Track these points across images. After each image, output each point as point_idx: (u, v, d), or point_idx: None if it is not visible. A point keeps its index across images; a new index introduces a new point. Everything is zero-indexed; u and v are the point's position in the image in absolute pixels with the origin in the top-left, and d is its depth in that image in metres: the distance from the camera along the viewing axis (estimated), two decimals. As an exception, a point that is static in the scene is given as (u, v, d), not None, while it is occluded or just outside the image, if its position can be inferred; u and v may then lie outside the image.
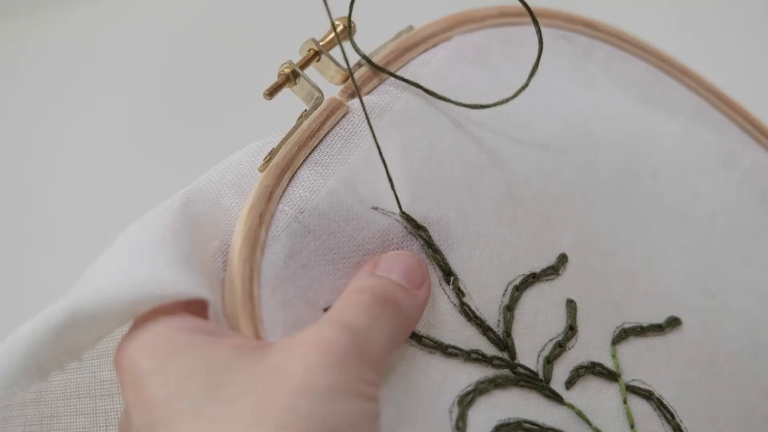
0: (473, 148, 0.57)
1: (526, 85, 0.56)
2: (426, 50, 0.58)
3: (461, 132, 0.56)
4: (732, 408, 0.59)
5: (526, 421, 0.52)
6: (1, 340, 0.48)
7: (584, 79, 0.63)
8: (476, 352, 0.52)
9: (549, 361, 0.54)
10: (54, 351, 0.47)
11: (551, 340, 0.55)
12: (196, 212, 0.51)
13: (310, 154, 0.52)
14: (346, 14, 0.55)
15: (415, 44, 0.58)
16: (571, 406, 0.54)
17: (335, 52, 0.55)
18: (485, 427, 0.51)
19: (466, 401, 0.51)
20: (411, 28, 0.58)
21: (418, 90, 0.57)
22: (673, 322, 0.59)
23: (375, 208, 0.53)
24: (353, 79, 0.54)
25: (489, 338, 0.53)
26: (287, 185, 0.51)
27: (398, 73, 0.56)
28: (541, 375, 0.53)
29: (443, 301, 0.52)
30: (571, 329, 0.55)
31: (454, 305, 0.53)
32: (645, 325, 0.58)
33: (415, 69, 0.57)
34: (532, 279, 0.55)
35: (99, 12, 1.12)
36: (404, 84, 0.56)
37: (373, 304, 0.48)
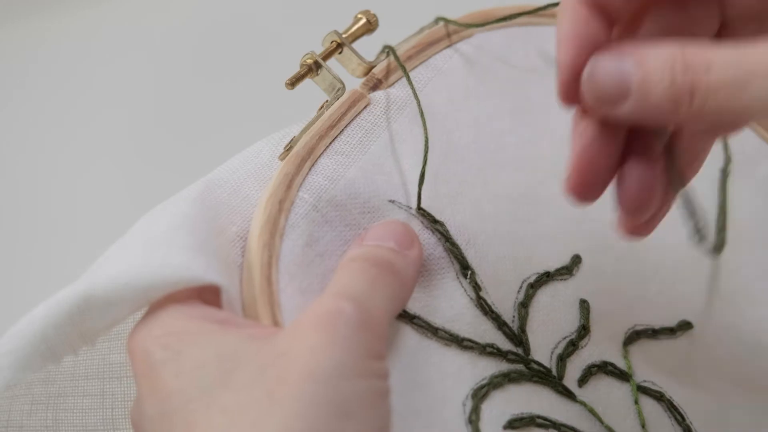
0: (491, 147, 0.57)
1: None
2: (449, 46, 0.58)
3: (480, 130, 0.56)
4: (742, 411, 0.59)
5: (538, 416, 0.52)
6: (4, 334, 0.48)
7: None
8: (491, 346, 0.52)
9: (562, 359, 0.54)
10: (67, 335, 0.47)
11: (564, 338, 0.55)
12: (215, 199, 0.51)
13: (330, 143, 0.53)
14: (369, 8, 0.55)
15: (437, 40, 0.58)
16: (583, 404, 0.54)
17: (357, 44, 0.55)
18: (498, 421, 0.51)
19: (480, 395, 0.51)
20: (436, 22, 0.59)
21: (439, 84, 0.57)
22: (685, 326, 0.59)
23: (392, 201, 0.53)
24: (396, 56, 0.53)
25: (504, 333, 0.53)
26: (307, 173, 0.51)
27: (420, 68, 0.57)
28: (554, 372, 0.54)
29: (460, 295, 0.53)
30: (584, 329, 0.55)
31: (471, 299, 0.53)
32: (657, 327, 0.58)
33: (437, 64, 0.58)
34: (546, 278, 0.55)
35: (101, 13, 1.12)
36: (426, 77, 0.56)
37: (366, 268, 0.48)
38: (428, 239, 0.53)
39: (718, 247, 0.52)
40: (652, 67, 0.44)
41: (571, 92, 0.47)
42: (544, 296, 0.55)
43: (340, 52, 0.55)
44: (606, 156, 0.48)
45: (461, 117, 0.57)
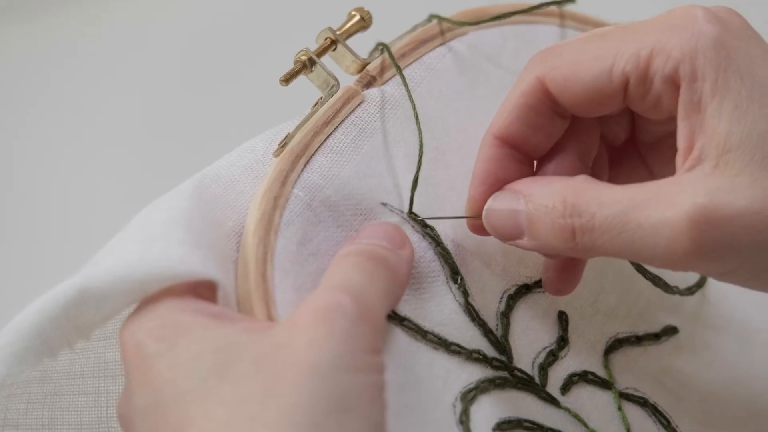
0: None
1: None
2: (442, 44, 0.58)
3: (469, 135, 0.57)
4: (728, 412, 0.59)
5: (526, 420, 0.52)
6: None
7: None
8: (478, 352, 0.53)
9: (543, 368, 0.55)
10: (62, 329, 0.47)
11: (545, 348, 0.55)
12: (210, 194, 0.51)
13: (325, 140, 0.53)
14: (364, 6, 0.55)
15: (431, 37, 0.58)
16: (567, 410, 0.54)
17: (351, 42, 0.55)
18: (487, 423, 0.51)
19: (468, 398, 0.51)
20: (429, 20, 0.59)
21: (432, 84, 0.57)
22: (670, 331, 0.60)
23: (384, 204, 0.53)
24: (391, 55, 0.54)
25: (489, 340, 0.53)
26: (302, 170, 0.51)
27: (414, 66, 0.57)
28: (537, 380, 0.54)
29: (449, 300, 0.53)
30: (563, 340, 0.56)
31: (459, 304, 0.53)
32: (641, 334, 0.59)
33: (431, 62, 0.58)
34: (525, 290, 0.56)
35: (100, 12, 1.12)
36: (420, 76, 0.57)
37: (362, 262, 0.48)
38: (419, 243, 0.53)
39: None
40: (539, 208, 0.49)
41: (479, 226, 0.52)
42: (523, 306, 0.56)
43: (334, 49, 0.55)
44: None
45: (451, 120, 0.57)
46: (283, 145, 0.52)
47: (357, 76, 0.56)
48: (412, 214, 0.54)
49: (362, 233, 0.51)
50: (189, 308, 0.46)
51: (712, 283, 0.62)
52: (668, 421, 0.57)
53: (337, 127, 0.53)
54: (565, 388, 0.55)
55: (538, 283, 0.56)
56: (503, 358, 0.53)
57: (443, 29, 0.58)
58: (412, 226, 0.53)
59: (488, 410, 0.51)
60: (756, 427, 0.60)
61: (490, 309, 0.54)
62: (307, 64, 0.53)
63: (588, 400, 0.55)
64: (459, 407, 0.51)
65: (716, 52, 0.47)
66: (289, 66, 0.54)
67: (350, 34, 0.55)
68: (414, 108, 0.55)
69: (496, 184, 0.52)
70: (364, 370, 0.44)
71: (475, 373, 0.52)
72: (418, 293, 0.52)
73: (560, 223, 0.48)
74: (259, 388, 0.42)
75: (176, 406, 0.43)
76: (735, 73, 0.47)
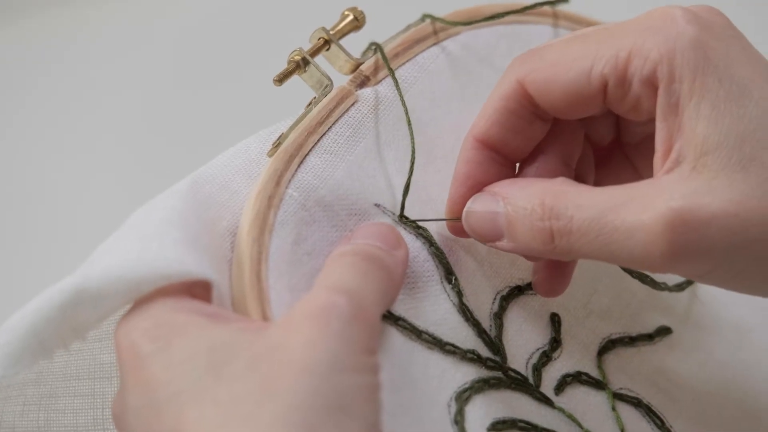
0: None
1: None
2: (435, 43, 0.58)
3: (460, 137, 0.56)
4: (722, 412, 0.59)
5: (520, 420, 0.52)
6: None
7: None
8: (472, 352, 0.53)
9: (537, 369, 0.55)
10: (58, 329, 0.46)
11: (538, 349, 0.56)
12: (205, 194, 0.51)
13: (319, 140, 0.53)
14: (357, 6, 0.55)
15: (424, 37, 0.58)
16: (561, 410, 0.54)
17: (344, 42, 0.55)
18: (482, 423, 0.51)
19: (463, 397, 0.51)
20: (423, 20, 0.59)
21: (425, 85, 0.57)
22: (664, 331, 0.60)
23: (377, 205, 0.53)
24: (384, 56, 0.55)
25: (483, 340, 0.54)
26: (296, 170, 0.52)
27: (408, 66, 0.57)
28: (531, 380, 0.54)
29: (444, 300, 0.53)
30: (556, 341, 0.56)
31: (454, 305, 0.53)
32: (634, 335, 0.59)
33: (424, 62, 0.58)
34: (517, 291, 0.56)
35: (96, 11, 1.12)
36: (413, 77, 0.57)
37: (358, 262, 0.48)
38: (413, 243, 0.53)
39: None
40: (518, 210, 0.49)
41: (459, 228, 0.53)
42: (516, 308, 0.56)
43: (327, 49, 0.55)
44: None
45: (444, 122, 0.57)
46: (277, 145, 0.52)
47: (350, 76, 0.56)
48: (402, 217, 0.54)
49: (357, 233, 0.51)
50: (184, 308, 0.46)
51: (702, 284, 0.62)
52: (662, 422, 0.57)
53: (330, 127, 0.53)
54: (559, 388, 0.55)
55: (530, 285, 0.57)
56: (497, 359, 0.53)
57: (436, 29, 0.59)
58: (404, 228, 0.54)
59: (483, 410, 0.52)
60: (750, 427, 0.60)
61: (483, 310, 0.54)
62: (300, 64, 0.53)
63: (582, 400, 0.56)
64: (454, 407, 0.51)
65: (694, 53, 0.47)
66: (283, 65, 0.54)
67: (344, 33, 0.55)
68: (407, 113, 0.55)
69: (476, 186, 0.52)
70: (359, 370, 0.44)
71: (469, 373, 0.52)
72: (412, 293, 0.52)
73: (539, 226, 0.48)
74: (255, 388, 0.42)
75: (171, 406, 0.43)
76: (713, 74, 0.47)
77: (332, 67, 0.56)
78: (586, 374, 0.56)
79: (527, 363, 0.55)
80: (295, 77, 0.54)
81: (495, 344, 0.54)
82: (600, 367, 0.57)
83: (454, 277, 0.53)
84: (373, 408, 0.44)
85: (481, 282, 0.55)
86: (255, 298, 0.48)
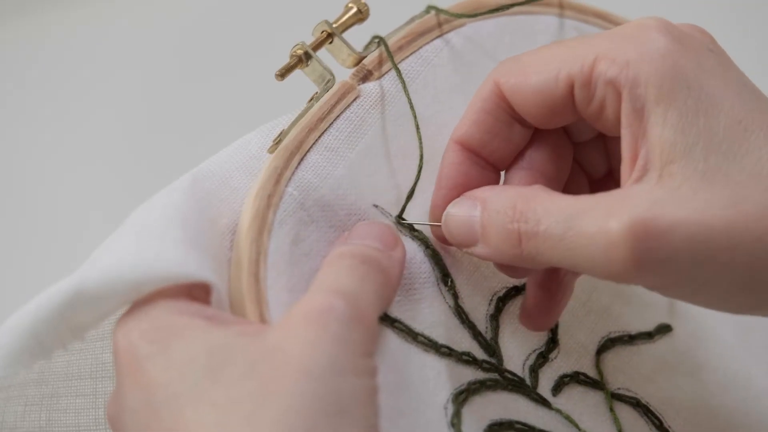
0: None
1: None
2: (439, 36, 0.58)
3: None
4: (722, 412, 0.59)
5: (517, 422, 0.52)
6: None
7: None
8: (468, 354, 0.52)
9: (533, 370, 0.54)
10: (57, 329, 0.46)
11: (534, 350, 0.55)
12: (204, 191, 0.51)
13: (320, 137, 0.52)
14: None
15: (428, 29, 0.57)
16: (558, 411, 0.54)
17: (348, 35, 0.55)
18: (479, 425, 0.51)
19: (460, 399, 0.51)
20: (427, 11, 0.58)
21: (428, 79, 0.56)
22: (664, 329, 0.59)
23: (376, 206, 0.53)
24: (388, 50, 0.54)
25: (479, 342, 0.53)
26: (296, 168, 0.51)
27: (411, 59, 0.56)
28: (528, 381, 0.54)
29: (440, 302, 0.53)
30: (553, 342, 0.56)
31: (450, 307, 0.53)
32: (633, 333, 0.59)
33: (428, 56, 0.57)
34: (514, 292, 0.56)
35: (94, 9, 1.12)
36: (416, 71, 0.56)
37: (356, 265, 0.48)
38: (409, 244, 0.53)
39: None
40: (492, 213, 0.49)
41: (441, 235, 0.52)
42: (513, 308, 0.55)
43: (330, 42, 0.54)
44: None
45: (445, 118, 0.56)
46: (277, 141, 0.51)
47: (353, 70, 0.55)
48: (399, 218, 0.53)
49: (354, 233, 0.51)
50: (183, 310, 0.45)
51: None
52: (660, 422, 0.57)
53: (332, 123, 0.53)
54: (557, 389, 0.55)
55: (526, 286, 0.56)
56: (493, 360, 0.53)
57: (441, 21, 0.58)
58: (400, 230, 0.53)
59: (480, 412, 0.51)
60: (750, 428, 0.59)
61: (479, 311, 0.54)
62: (303, 59, 0.52)
63: (579, 400, 0.55)
64: (451, 409, 0.50)
65: (662, 61, 0.47)
66: (286, 60, 0.53)
67: (347, 26, 0.55)
68: (414, 115, 0.55)
69: (458, 189, 0.52)
70: (358, 373, 0.43)
71: (465, 376, 0.52)
72: (409, 294, 0.52)
73: (508, 228, 0.48)
74: (253, 390, 0.42)
75: (169, 408, 0.43)
76: (682, 83, 0.47)
77: (335, 61, 0.55)
78: (584, 374, 0.56)
79: (524, 364, 0.54)
80: (297, 72, 0.53)
81: (491, 346, 0.53)
82: (598, 366, 0.57)
83: (450, 279, 0.53)
84: (371, 411, 0.44)
85: (477, 283, 0.55)
86: (253, 300, 0.47)
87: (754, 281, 0.45)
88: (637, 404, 0.57)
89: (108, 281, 0.45)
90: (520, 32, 0.60)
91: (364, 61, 0.55)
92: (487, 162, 0.53)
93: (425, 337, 0.51)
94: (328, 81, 0.53)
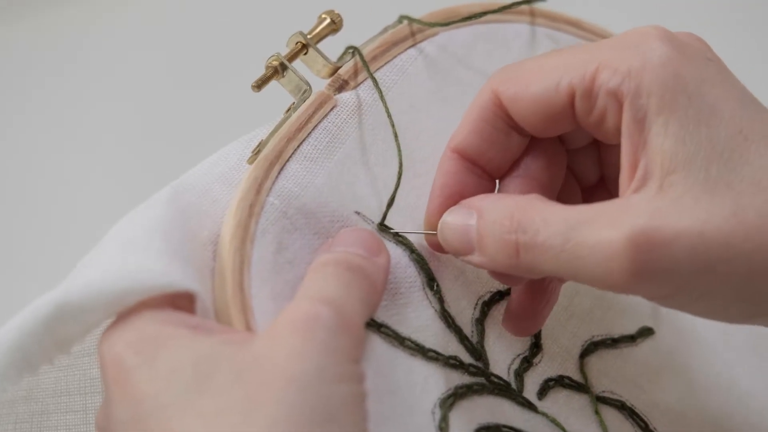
0: None
1: None
2: (413, 45, 0.58)
3: (438, 142, 0.56)
4: (706, 414, 0.59)
5: (504, 426, 0.52)
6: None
7: None
8: (454, 358, 0.53)
9: (519, 374, 0.55)
10: (42, 344, 0.46)
11: (519, 355, 0.56)
12: (185, 203, 0.51)
13: (298, 147, 0.53)
14: (335, 8, 0.55)
15: (402, 39, 0.58)
16: (545, 414, 0.54)
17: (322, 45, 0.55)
18: (466, 429, 0.51)
19: (447, 404, 0.51)
20: (400, 21, 0.59)
21: (403, 88, 0.57)
22: (646, 332, 0.60)
23: (357, 213, 0.53)
24: (363, 60, 0.55)
25: (465, 347, 0.54)
26: (276, 177, 0.51)
27: (386, 69, 0.57)
28: (513, 385, 0.54)
29: (426, 306, 0.53)
30: (536, 346, 0.56)
31: (436, 311, 0.53)
32: (616, 336, 0.59)
33: (403, 65, 0.58)
34: (498, 297, 0.56)
35: (92, 11, 1.12)
36: (392, 80, 0.57)
37: (340, 272, 0.48)
38: (394, 249, 0.53)
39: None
40: (488, 223, 0.49)
41: (436, 243, 0.52)
42: (498, 313, 0.56)
43: (305, 53, 0.54)
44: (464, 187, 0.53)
45: (422, 126, 0.57)
46: (257, 152, 0.52)
47: (329, 80, 0.56)
48: (382, 226, 0.54)
49: (338, 240, 0.51)
50: (167, 320, 0.45)
51: None
52: (646, 424, 0.57)
53: (310, 133, 0.53)
54: (542, 393, 0.55)
55: (510, 291, 0.56)
56: (480, 365, 0.53)
57: (414, 30, 0.58)
58: (383, 236, 0.54)
59: (467, 416, 0.51)
60: (734, 429, 0.59)
61: (465, 315, 0.54)
62: (278, 69, 0.53)
63: (565, 404, 0.56)
64: (438, 414, 0.51)
65: (664, 70, 0.47)
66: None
67: (321, 37, 0.55)
68: (392, 124, 0.55)
69: (454, 197, 0.52)
70: (345, 380, 0.44)
71: (452, 380, 0.52)
72: (395, 299, 0.52)
73: (506, 239, 0.48)
74: (240, 400, 0.42)
75: (156, 419, 0.43)
76: (683, 93, 0.47)
77: (310, 72, 0.55)
78: (569, 378, 0.56)
79: (509, 368, 0.55)
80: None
81: (477, 350, 0.54)
82: (582, 370, 0.57)
83: (435, 284, 0.53)
84: (360, 417, 0.44)
85: (463, 287, 0.55)
86: (238, 308, 0.47)
87: (753, 291, 0.45)
88: (622, 407, 0.57)
89: (92, 293, 0.45)
90: (493, 40, 0.61)
91: (340, 71, 0.56)
92: (483, 170, 0.53)
93: (412, 342, 0.51)
94: (304, 91, 0.53)
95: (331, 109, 0.54)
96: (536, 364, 0.56)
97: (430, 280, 0.53)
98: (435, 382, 0.51)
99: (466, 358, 0.53)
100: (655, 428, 0.57)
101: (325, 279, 0.48)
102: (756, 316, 0.47)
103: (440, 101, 0.58)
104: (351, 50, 0.56)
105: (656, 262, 0.44)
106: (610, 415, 0.57)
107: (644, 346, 0.59)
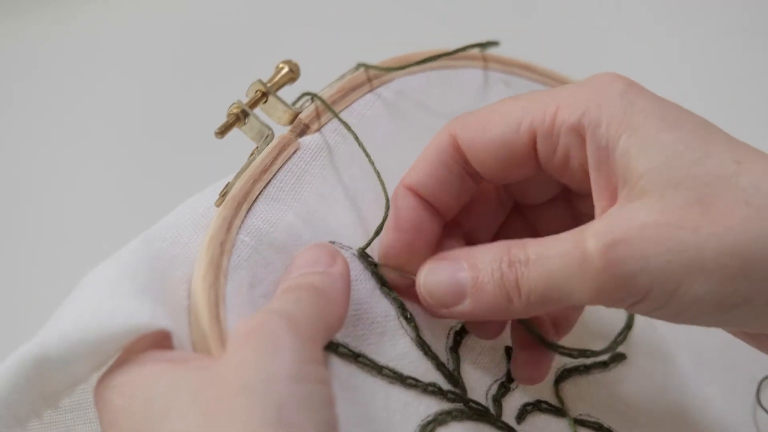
0: None
1: None
2: (370, 91, 0.59)
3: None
4: None
5: None
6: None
7: None
8: (433, 385, 0.53)
9: (496, 400, 0.55)
10: (28, 398, 0.47)
11: (496, 381, 0.56)
12: (155, 250, 0.51)
13: (264, 188, 0.53)
14: (291, 58, 0.57)
15: (359, 85, 0.59)
16: None
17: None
18: None
19: (427, 430, 0.51)
20: (357, 68, 0.60)
21: (363, 131, 0.58)
22: (618, 357, 0.60)
23: (332, 242, 0.54)
24: (323, 101, 0.56)
25: (443, 373, 0.54)
26: (245, 216, 0.52)
27: (344, 113, 0.58)
28: (492, 410, 0.54)
29: (402, 335, 0.53)
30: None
31: (412, 339, 0.54)
32: (588, 363, 0.59)
33: (361, 110, 0.58)
34: None
35: (90, 10, 1.13)
36: (352, 123, 0.57)
37: (289, 290, 0.49)
38: (370, 280, 0.54)
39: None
40: (483, 269, 0.50)
41: (409, 289, 0.53)
42: (471, 341, 0.56)
43: (265, 102, 0.55)
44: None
45: (383, 166, 0.57)
46: (223, 194, 0.52)
47: (290, 126, 0.56)
48: (362, 252, 0.54)
49: (293, 265, 0.51)
50: (149, 359, 0.46)
51: None
52: None
53: (275, 174, 0.54)
54: (521, 417, 0.55)
55: None
56: (458, 391, 0.54)
57: (371, 76, 0.59)
58: (361, 263, 0.54)
59: None
60: None
61: (439, 344, 0.55)
62: (240, 117, 0.54)
63: (544, 427, 0.56)
64: None
65: (621, 100, 0.48)
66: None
67: (280, 85, 0.56)
68: (369, 157, 0.56)
69: (410, 231, 0.53)
70: (298, 380, 0.43)
71: (432, 406, 0.52)
72: (372, 328, 0.53)
73: (506, 277, 0.49)
74: (198, 419, 0.42)
75: None
76: (641, 113, 0.48)
77: (270, 119, 0.56)
78: (546, 402, 0.57)
79: (487, 394, 0.55)
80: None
81: (454, 377, 0.54)
82: (558, 395, 0.57)
83: (408, 313, 0.54)
84: (321, 418, 0.43)
85: (434, 319, 0.55)
86: (216, 340, 0.47)
87: (725, 278, 0.45)
88: (599, 428, 0.57)
89: (69, 345, 0.46)
90: (447, 84, 0.62)
91: (300, 116, 0.56)
92: (435, 210, 0.54)
93: (390, 370, 0.52)
94: (267, 136, 0.54)
95: (294, 151, 0.55)
96: (513, 389, 0.56)
97: (404, 311, 0.54)
98: (414, 409, 0.51)
99: (444, 384, 0.53)
100: None
101: (278, 296, 0.49)
102: (734, 308, 0.46)
103: (401, 143, 0.58)
104: (309, 96, 0.57)
105: (626, 262, 0.45)
106: None
107: (616, 372, 0.60)
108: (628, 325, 0.61)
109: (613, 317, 0.61)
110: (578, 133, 0.49)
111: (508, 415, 0.55)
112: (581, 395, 0.58)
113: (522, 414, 0.55)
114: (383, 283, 0.54)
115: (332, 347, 0.51)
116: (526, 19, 1.10)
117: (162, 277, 0.50)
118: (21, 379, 0.46)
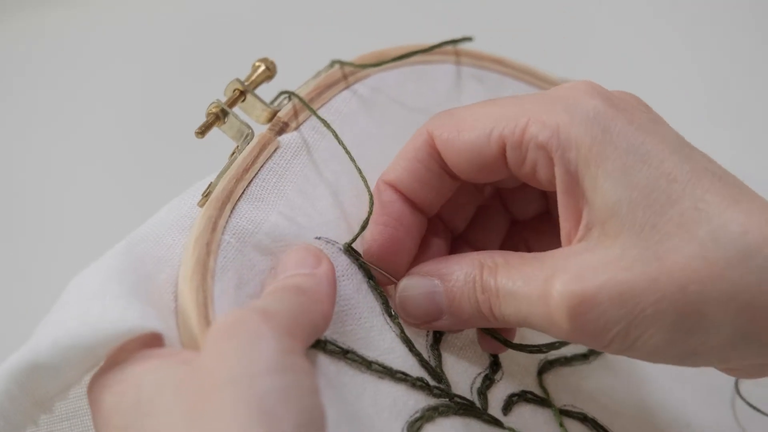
0: None
1: None
2: (346, 87, 0.59)
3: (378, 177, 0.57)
4: (663, 424, 0.60)
5: None
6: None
7: None
8: (421, 380, 0.53)
9: (482, 393, 0.55)
10: (22, 406, 0.47)
11: (479, 374, 0.56)
12: (140, 252, 0.51)
13: (247, 187, 0.53)
14: (269, 56, 0.57)
15: (335, 82, 0.59)
16: (511, 430, 0.55)
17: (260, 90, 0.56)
18: None
19: (415, 428, 0.51)
20: (332, 65, 0.60)
21: (341, 128, 0.58)
22: (597, 351, 0.61)
23: (318, 238, 0.54)
24: (302, 99, 0.56)
25: (426, 370, 0.54)
26: (229, 216, 0.52)
27: (321, 111, 0.58)
28: (478, 404, 0.55)
29: (388, 330, 0.54)
30: (496, 364, 0.57)
31: (397, 335, 0.54)
32: (569, 355, 0.60)
33: (338, 107, 0.59)
34: None
35: (88, 15, 1.13)
36: (329, 120, 0.57)
37: (274, 290, 0.49)
38: (357, 274, 0.54)
39: None
40: (458, 289, 0.51)
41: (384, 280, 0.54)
42: (451, 337, 0.56)
43: (243, 100, 0.55)
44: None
45: (366, 159, 0.57)
46: (207, 194, 0.52)
47: (269, 125, 0.56)
48: (349, 246, 0.54)
49: (279, 268, 0.52)
50: (139, 357, 0.46)
51: None
52: None
53: (257, 173, 0.54)
54: (507, 408, 0.56)
55: None
56: (443, 386, 0.54)
57: (346, 73, 0.60)
58: (348, 258, 0.54)
59: None
60: None
61: (420, 342, 0.55)
62: (219, 116, 0.54)
63: (530, 418, 0.56)
64: None
65: (591, 124, 0.49)
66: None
67: (257, 84, 0.56)
68: (349, 153, 0.56)
69: (393, 224, 0.54)
70: (278, 371, 0.43)
71: (420, 401, 0.52)
72: (360, 322, 0.53)
73: (480, 299, 0.51)
74: (182, 415, 0.43)
75: None
76: (610, 144, 0.48)
77: (249, 118, 0.56)
78: (531, 393, 0.57)
79: (471, 388, 0.55)
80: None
81: (437, 373, 0.54)
82: (542, 385, 0.58)
83: (393, 310, 0.54)
84: (304, 407, 0.43)
85: None
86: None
87: (681, 331, 0.47)
88: (584, 419, 0.57)
89: (59, 351, 0.46)
90: (421, 80, 0.62)
91: (279, 115, 0.56)
92: (415, 206, 0.55)
93: (379, 365, 0.52)
94: (246, 135, 0.54)
95: (275, 150, 0.55)
96: (497, 381, 0.56)
97: (387, 307, 0.54)
98: (404, 403, 0.52)
99: (431, 380, 0.53)
100: None
101: (262, 298, 0.49)
102: (690, 356, 0.48)
103: (377, 138, 0.59)
104: (286, 95, 0.57)
105: (587, 316, 0.47)
106: (574, 427, 0.57)
107: (597, 364, 0.60)
108: None
109: None
110: (546, 151, 0.49)
111: (495, 407, 0.55)
112: (565, 386, 0.59)
113: (508, 405, 0.56)
114: (370, 276, 0.54)
115: (320, 345, 0.51)
116: (526, 19, 1.10)
117: (147, 279, 0.50)
118: (13, 386, 0.46)
